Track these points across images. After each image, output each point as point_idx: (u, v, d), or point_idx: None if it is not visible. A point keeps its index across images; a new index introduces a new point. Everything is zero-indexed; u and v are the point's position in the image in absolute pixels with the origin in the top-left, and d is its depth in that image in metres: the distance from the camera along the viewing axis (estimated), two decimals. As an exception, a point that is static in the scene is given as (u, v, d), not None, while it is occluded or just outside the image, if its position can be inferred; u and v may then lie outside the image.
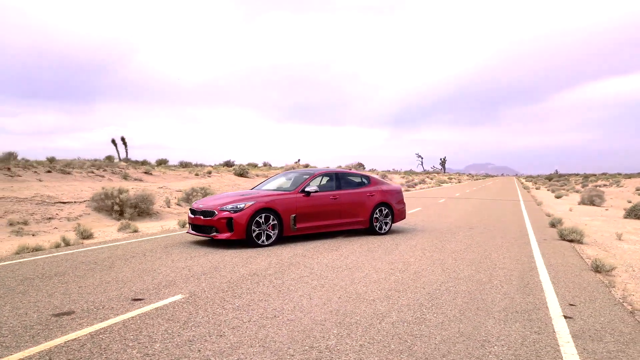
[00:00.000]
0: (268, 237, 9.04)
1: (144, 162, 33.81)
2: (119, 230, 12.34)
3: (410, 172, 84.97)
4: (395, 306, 5.21)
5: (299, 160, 62.48)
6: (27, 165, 17.92)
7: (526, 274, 7.06)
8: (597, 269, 7.38)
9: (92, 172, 19.91)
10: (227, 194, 10.10)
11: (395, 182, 55.94)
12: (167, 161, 38.16)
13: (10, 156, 21.49)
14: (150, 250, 8.64)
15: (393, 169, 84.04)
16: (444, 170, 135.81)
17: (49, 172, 18.20)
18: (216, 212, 8.86)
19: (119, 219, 15.15)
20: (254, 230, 8.83)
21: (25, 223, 12.90)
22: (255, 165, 43.70)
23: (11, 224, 12.56)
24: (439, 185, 56.27)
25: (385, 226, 11.04)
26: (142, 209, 15.73)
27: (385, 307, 5.18)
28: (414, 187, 47.59)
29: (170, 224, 13.54)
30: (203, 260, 7.62)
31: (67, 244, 9.47)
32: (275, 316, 4.78)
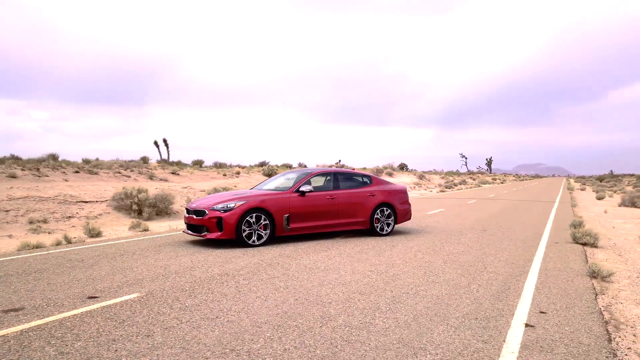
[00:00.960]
0: (259, 237, 8.97)
1: (178, 163, 34.59)
2: (130, 229, 12.62)
3: (451, 173, 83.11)
4: (349, 309, 5.01)
5: (339, 161, 62.39)
6: (57, 165, 18.65)
7: (512, 278, 6.68)
8: (594, 274, 6.89)
9: (119, 173, 20.50)
10: (223, 194, 10.11)
11: (434, 182, 54.83)
12: (203, 162, 38.84)
13: (51, 157, 22.51)
14: (143, 248, 8.75)
15: (434, 170, 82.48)
16: (490, 170, 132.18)
17: (76, 172, 18.86)
18: (207, 212, 8.88)
19: (137, 218, 15.54)
20: (244, 230, 8.78)
21: (45, 221, 13.38)
22: (289, 166, 43.80)
23: (31, 222, 13.06)
24: (479, 186, 54.76)
25: (388, 227, 10.76)
26: (160, 208, 16.04)
27: (338, 310, 4.99)
28: (450, 188, 46.51)
29: (181, 224, 13.72)
30: (185, 260, 7.64)
31: (68, 242, 9.73)
32: (217, 317, 4.69)
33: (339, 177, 10.50)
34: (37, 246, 9.13)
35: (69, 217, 14.38)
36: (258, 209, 8.95)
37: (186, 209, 9.65)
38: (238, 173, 28.00)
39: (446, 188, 47.94)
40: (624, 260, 8.53)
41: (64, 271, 6.76)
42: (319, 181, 10.40)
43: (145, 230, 12.44)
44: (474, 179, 72.65)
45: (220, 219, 8.70)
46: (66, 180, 17.56)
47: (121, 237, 10.88)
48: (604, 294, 6.03)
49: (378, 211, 10.60)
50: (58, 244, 9.53)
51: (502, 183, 72.50)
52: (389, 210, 10.76)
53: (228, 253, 8.26)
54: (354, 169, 11.25)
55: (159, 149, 41.81)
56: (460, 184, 56.40)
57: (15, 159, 20.14)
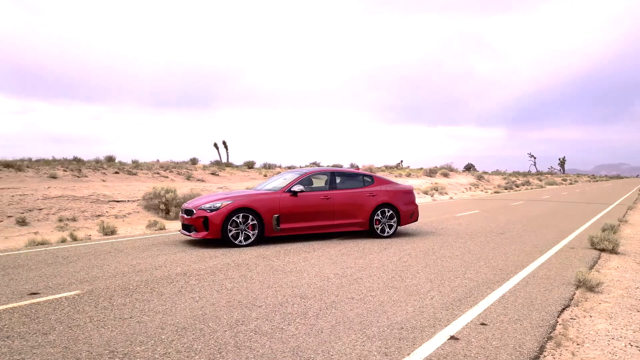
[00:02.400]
0: (247, 237, 8.89)
1: (228, 164, 35.36)
2: (147, 227, 12.98)
3: (517, 174, 79.37)
4: (272, 314, 4.79)
5: (401, 161, 61.55)
6: (98, 166, 19.59)
7: (484, 286, 6.16)
8: (580, 283, 6.22)
9: (158, 174, 21.23)
10: (217, 194, 10.13)
11: (494, 183, 52.56)
12: (254, 163, 39.55)
13: (110, 159, 23.79)
14: (135, 247, 8.93)
15: (497, 170, 79.17)
16: (563, 170, 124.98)
17: (116, 173, 19.73)
18: (195, 211, 8.92)
19: (164, 217, 16.01)
20: (230, 230, 8.73)
21: (74, 219, 14.07)
22: (340, 167, 43.65)
23: (60, 220, 13.77)
24: (542, 187, 51.92)
25: (390, 229, 10.33)
26: (186, 207, 16.39)
27: (261, 314, 4.79)
28: (510, 190, 44.42)
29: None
30: (160, 258, 7.70)
31: (74, 239, 10.14)
32: (130, 317, 4.63)
33: (337, 177, 10.21)
34: (42, 243, 9.56)
35: (98, 215, 15.04)
36: (245, 209, 8.87)
37: (182, 208, 9.76)
38: (279, 173, 28.19)
39: (505, 189, 45.88)
40: (636, 270, 7.67)
41: (38, 267, 7.00)
42: (315, 181, 10.17)
43: (162, 228, 12.75)
44: (540, 180, 68.98)
45: (206, 218, 8.70)
46: (103, 181, 18.41)
47: (133, 235, 11.19)
48: (577, 306, 5.41)
49: (379, 212, 10.21)
50: (63, 241, 9.94)
51: (571, 184, 68.33)
52: (391, 212, 10.33)
53: (208, 253, 8.24)
54: (358, 169, 10.90)
55: (218, 150, 43.26)
56: (522, 184, 53.75)
57: (77, 161, 21.36)
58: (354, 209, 10.02)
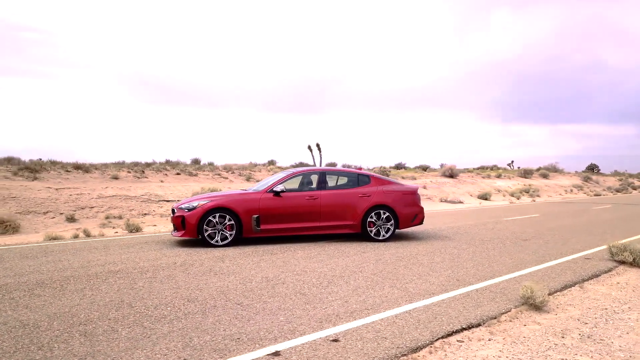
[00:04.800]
0: (224, 237, 8.85)
1: (301, 165, 35.80)
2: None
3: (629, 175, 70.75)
4: (139, 316, 4.67)
5: (512, 162, 58.10)
6: (161, 168, 20.85)
7: (415, 297, 5.49)
8: (527, 300, 5.30)
9: (219, 175, 22.08)
10: (205, 194, 10.18)
11: (606, 184, 47.31)
12: (336, 164, 39.69)
13: (195, 161, 25.43)
14: (128, 244, 9.30)
15: (616, 170, 71.32)
16: None
17: (177, 174, 20.86)
18: (175, 211, 9.07)
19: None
20: (206, 230, 8.75)
21: (120, 217, 15.08)
22: (425, 169, 42.08)
23: (107, 218, 14.84)
24: (663, 189, 45.73)
25: (387, 232, 9.66)
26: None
27: (124, 314, 4.68)
28: (622, 191, 39.75)
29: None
30: (132, 255, 7.94)
31: (87, 235, 10.84)
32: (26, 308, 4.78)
33: (327, 177, 9.78)
34: (55, 238, 10.35)
35: (145, 214, 15.98)
36: (222, 209, 8.83)
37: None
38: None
39: (617, 191, 41.22)
40: (636, 288, 6.37)
41: (12, 260, 7.55)
42: (304, 181, 9.84)
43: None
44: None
45: (183, 217, 8.81)
46: (161, 182, 19.55)
47: (152, 233, 11.69)
48: (489, 326, 4.59)
49: (372, 214, 9.60)
50: (76, 237, 10.67)
51: None
52: (387, 213, 9.65)
53: (175, 251, 8.33)
54: (360, 169, 10.37)
55: (312, 152, 44.03)
56: (640, 187, 47.76)
57: (167, 163, 23.13)
58: (344, 210, 9.52)
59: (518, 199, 30.02)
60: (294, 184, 9.69)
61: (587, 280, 6.64)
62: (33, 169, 16.82)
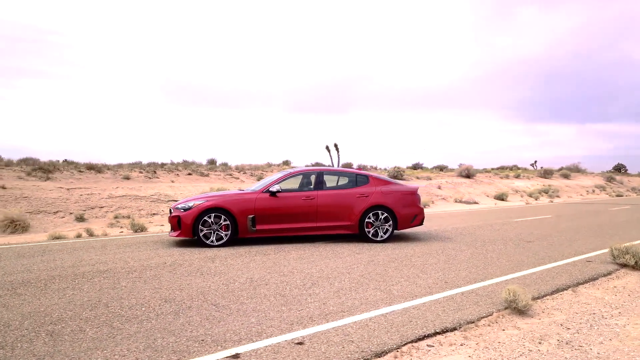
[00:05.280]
0: (219, 237, 8.84)
1: (317, 165, 35.75)
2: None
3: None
4: (110, 316, 4.67)
5: (535, 162, 57.07)
6: (172, 168, 21.04)
7: (395, 300, 5.38)
8: (509, 304, 5.14)
9: (230, 175, 22.18)
10: (202, 194, 10.18)
11: (631, 184, 46.06)
12: (352, 165, 39.54)
13: (211, 162, 25.66)
14: (129, 244, 9.38)
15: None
16: None
17: (189, 174, 21.02)
18: (172, 211, 9.11)
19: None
20: (202, 230, 8.76)
21: (129, 217, 15.25)
22: (442, 169, 41.60)
23: (115, 217, 15.02)
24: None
25: (385, 233, 9.53)
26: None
27: (96, 314, 4.69)
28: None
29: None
30: (126, 255, 7.99)
31: (90, 234, 10.98)
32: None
33: (325, 177, 9.69)
34: (59, 237, 10.50)
35: (154, 214, 16.13)
36: (217, 209, 8.82)
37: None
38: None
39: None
40: (632, 292, 6.13)
41: (7, 259, 7.67)
42: (300, 181, 9.77)
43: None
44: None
45: (179, 218, 8.83)
46: (172, 182, 19.71)
47: (156, 232, 11.77)
48: (465, 331, 4.46)
49: (370, 214, 9.48)
50: (79, 236, 10.81)
51: None
52: (386, 214, 9.52)
53: (169, 252, 8.35)
54: (361, 169, 10.23)
55: (329, 153, 43.86)
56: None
57: (183, 164, 23.41)
58: (341, 210, 9.42)
59: (536, 199, 29.44)
60: (293, 184, 9.63)
61: (583, 283, 6.41)
62: (46, 169, 17.13)
